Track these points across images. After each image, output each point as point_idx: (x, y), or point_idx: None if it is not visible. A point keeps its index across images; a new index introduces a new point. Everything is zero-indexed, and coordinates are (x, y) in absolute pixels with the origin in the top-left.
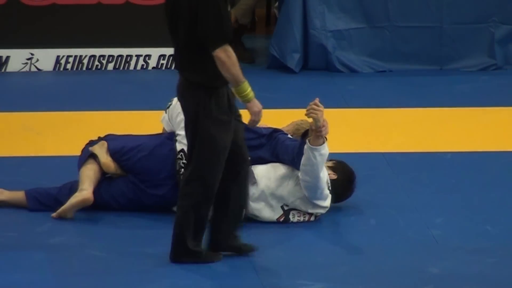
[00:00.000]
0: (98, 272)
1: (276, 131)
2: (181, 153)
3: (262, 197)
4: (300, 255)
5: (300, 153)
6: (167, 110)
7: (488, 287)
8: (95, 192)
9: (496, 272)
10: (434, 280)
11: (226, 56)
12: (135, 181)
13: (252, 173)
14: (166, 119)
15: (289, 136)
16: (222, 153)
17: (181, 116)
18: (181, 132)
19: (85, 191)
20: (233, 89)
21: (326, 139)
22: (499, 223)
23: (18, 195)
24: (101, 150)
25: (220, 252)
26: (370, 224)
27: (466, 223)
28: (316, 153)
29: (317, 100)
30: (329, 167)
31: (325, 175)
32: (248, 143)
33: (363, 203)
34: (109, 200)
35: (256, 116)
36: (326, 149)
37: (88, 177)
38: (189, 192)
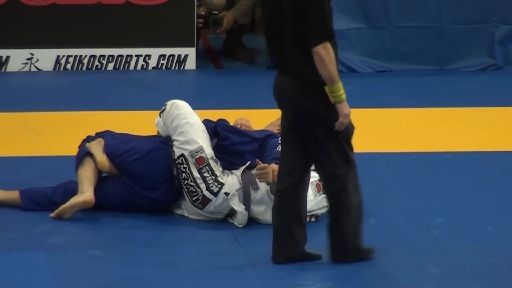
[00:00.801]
0: (98, 272)
1: (269, 136)
2: (181, 158)
3: (263, 200)
4: None
5: None
6: (162, 114)
7: (488, 287)
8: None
9: (496, 272)
10: (434, 280)
11: (326, 53)
12: (129, 182)
13: (254, 177)
14: (161, 124)
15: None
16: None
17: (177, 122)
18: (179, 138)
19: (87, 193)
20: (326, 88)
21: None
22: (499, 223)
23: (13, 195)
24: (97, 148)
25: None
26: (370, 224)
27: (466, 223)
28: None
29: (259, 165)
30: None
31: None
32: (241, 148)
33: (362, 203)
34: (103, 199)
35: (345, 119)
36: None
37: (87, 178)
38: (343, 188)
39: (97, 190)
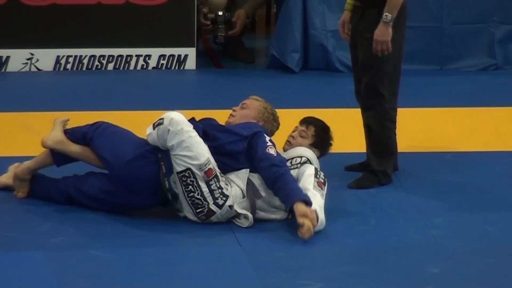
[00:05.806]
0: (98, 272)
1: (255, 134)
2: (188, 171)
3: (264, 205)
4: (300, 255)
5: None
6: (157, 127)
7: (488, 287)
8: (73, 190)
9: (496, 272)
10: (434, 280)
11: None
12: (111, 184)
13: (255, 186)
14: (154, 137)
15: (268, 140)
16: None
17: (180, 138)
18: (185, 153)
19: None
20: None
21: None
22: (499, 223)
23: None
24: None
25: None
26: (370, 224)
27: (466, 223)
28: None
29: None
30: (310, 145)
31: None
32: (231, 148)
33: (363, 203)
34: (81, 198)
35: None
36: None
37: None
38: None
39: (75, 190)
